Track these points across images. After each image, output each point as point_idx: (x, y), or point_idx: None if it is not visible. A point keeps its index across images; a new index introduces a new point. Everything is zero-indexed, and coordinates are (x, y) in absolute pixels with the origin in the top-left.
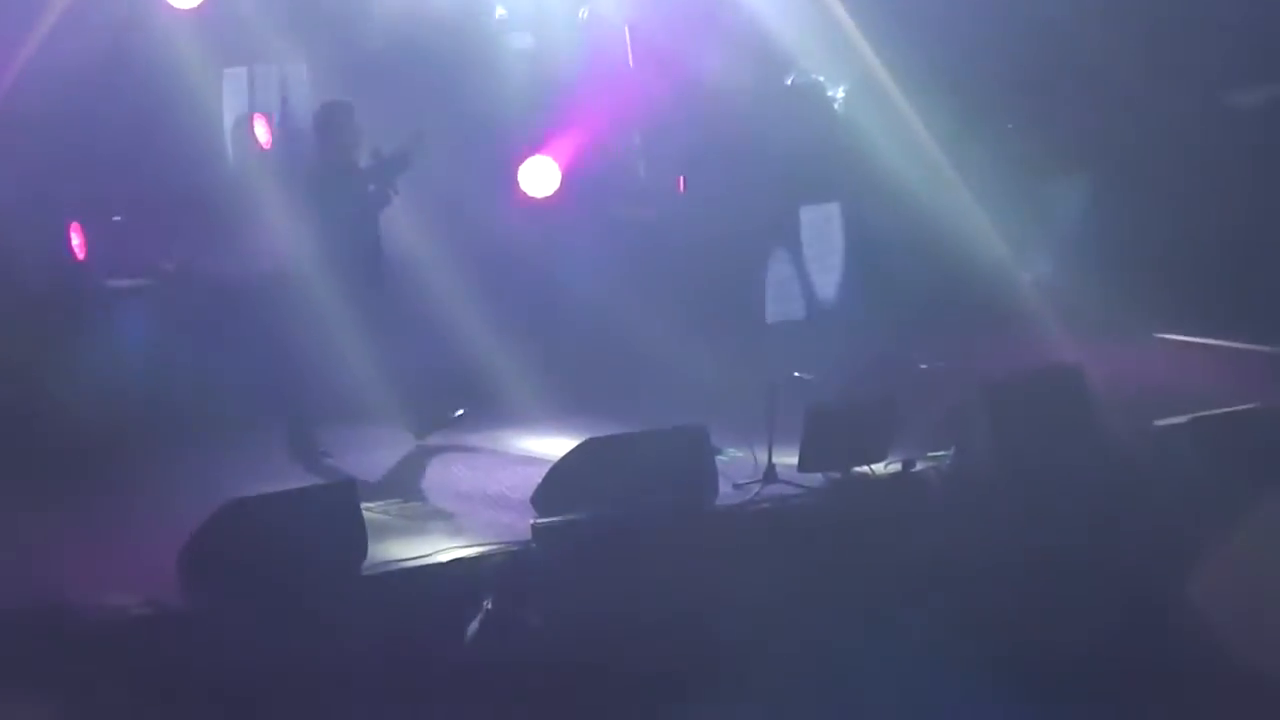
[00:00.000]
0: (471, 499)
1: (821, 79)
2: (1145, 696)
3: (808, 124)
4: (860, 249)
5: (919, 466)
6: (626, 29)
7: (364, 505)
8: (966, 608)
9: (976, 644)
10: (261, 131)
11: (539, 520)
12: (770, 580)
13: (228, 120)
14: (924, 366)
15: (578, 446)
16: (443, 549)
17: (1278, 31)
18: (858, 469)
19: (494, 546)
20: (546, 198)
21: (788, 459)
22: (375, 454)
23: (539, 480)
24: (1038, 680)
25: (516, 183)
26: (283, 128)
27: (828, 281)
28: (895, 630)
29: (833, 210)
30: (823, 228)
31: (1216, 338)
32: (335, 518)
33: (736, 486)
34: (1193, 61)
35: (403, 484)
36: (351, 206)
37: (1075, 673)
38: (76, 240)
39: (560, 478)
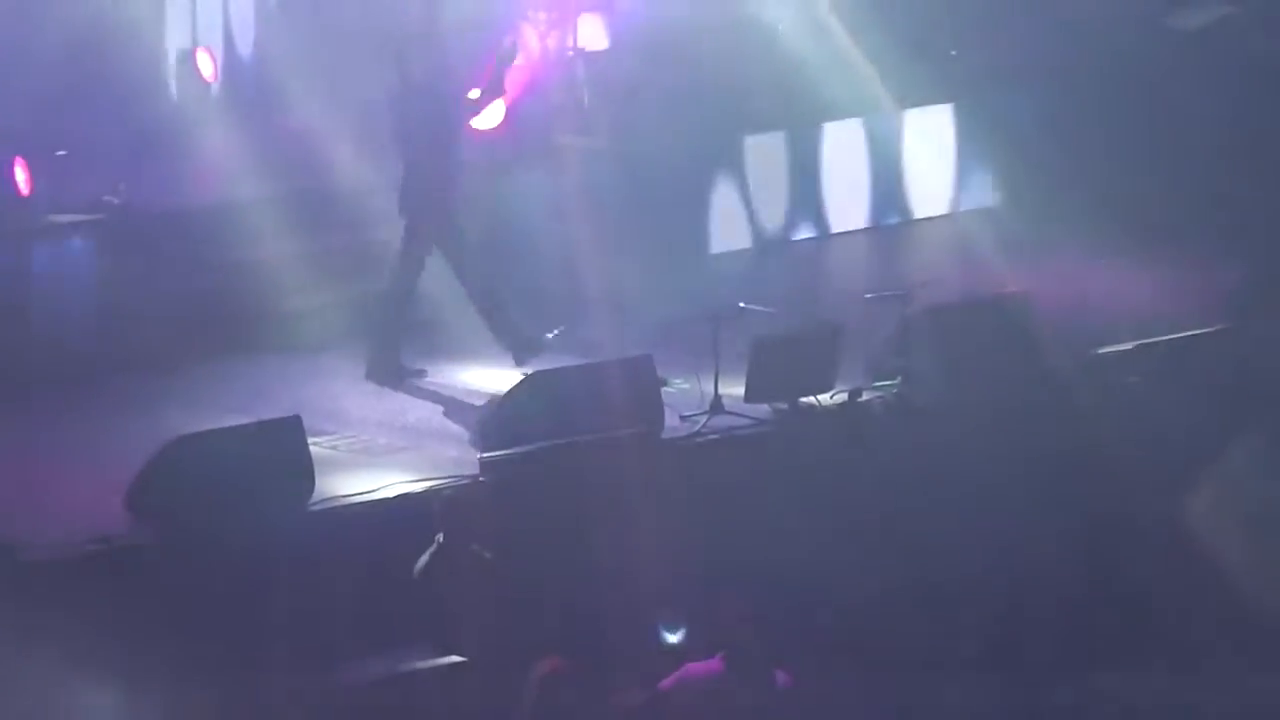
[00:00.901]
0: (419, 433)
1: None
2: (1090, 629)
3: (750, 53)
4: (805, 179)
5: (865, 396)
6: None
7: (311, 440)
8: (912, 539)
9: (921, 575)
10: (205, 65)
11: (487, 454)
12: (719, 512)
13: (171, 54)
14: (869, 296)
15: (524, 379)
16: (391, 483)
17: None
18: (804, 399)
19: (442, 480)
20: (492, 129)
21: (734, 390)
22: (322, 387)
23: (487, 413)
24: (983, 613)
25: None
26: (226, 60)
27: (773, 212)
28: (841, 563)
29: (777, 139)
30: (767, 157)
31: (1162, 262)
32: (282, 453)
33: (683, 418)
34: None
35: (350, 418)
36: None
37: (1017, 603)
38: (21, 175)
39: (507, 411)
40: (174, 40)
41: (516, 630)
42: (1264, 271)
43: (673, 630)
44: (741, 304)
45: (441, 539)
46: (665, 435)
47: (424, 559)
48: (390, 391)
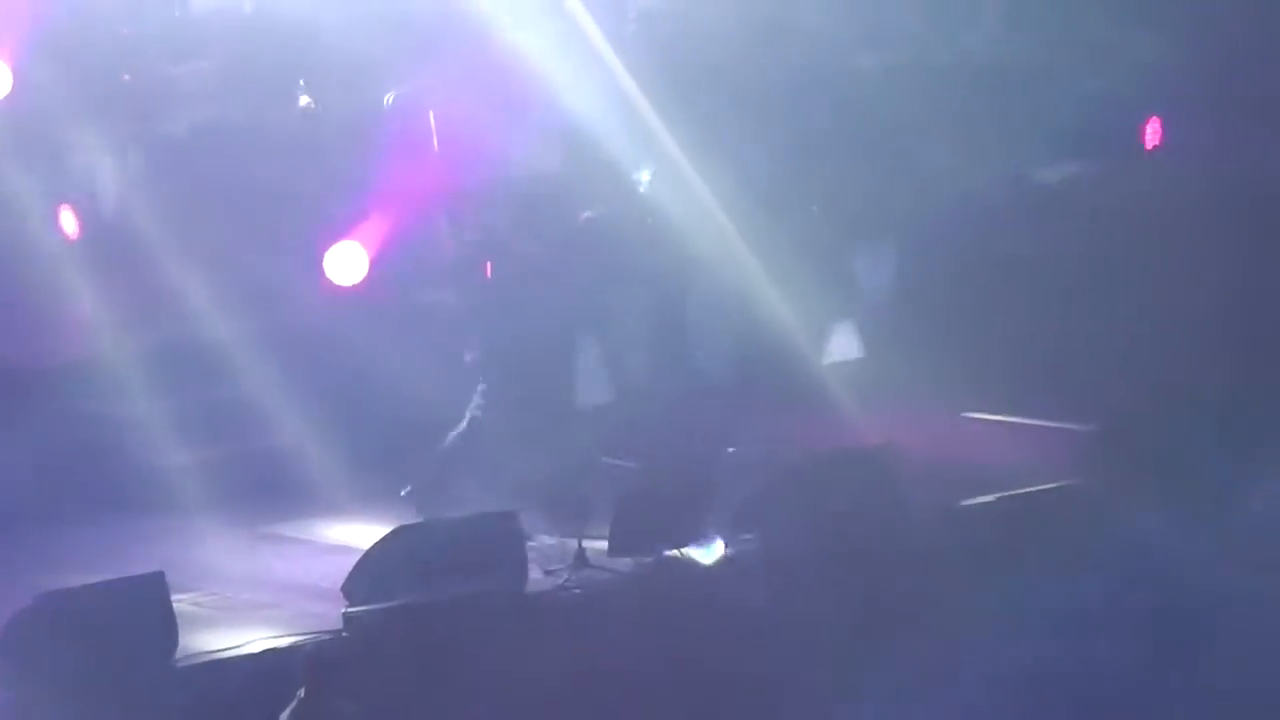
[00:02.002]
0: (283, 589)
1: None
2: None
3: (613, 206)
4: (669, 332)
5: (730, 549)
6: (431, 114)
7: (175, 597)
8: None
9: None
10: (69, 222)
11: (351, 609)
12: (582, 665)
13: (35, 210)
14: (733, 450)
15: (388, 534)
16: (255, 639)
17: (1081, 111)
18: (669, 552)
19: (306, 636)
20: (354, 284)
21: (599, 544)
22: (186, 545)
23: (350, 569)
24: None
25: (323, 270)
26: (91, 217)
27: (638, 365)
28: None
29: (642, 293)
30: (632, 310)
31: (1023, 416)
32: (145, 609)
33: (548, 572)
34: (998, 137)
35: (214, 574)
36: None
37: None
38: None
39: (371, 566)
40: (38, 197)
41: None
42: (1114, 426)
43: None
44: (605, 459)
45: (303, 694)
46: (530, 589)
47: (285, 715)
48: (255, 548)
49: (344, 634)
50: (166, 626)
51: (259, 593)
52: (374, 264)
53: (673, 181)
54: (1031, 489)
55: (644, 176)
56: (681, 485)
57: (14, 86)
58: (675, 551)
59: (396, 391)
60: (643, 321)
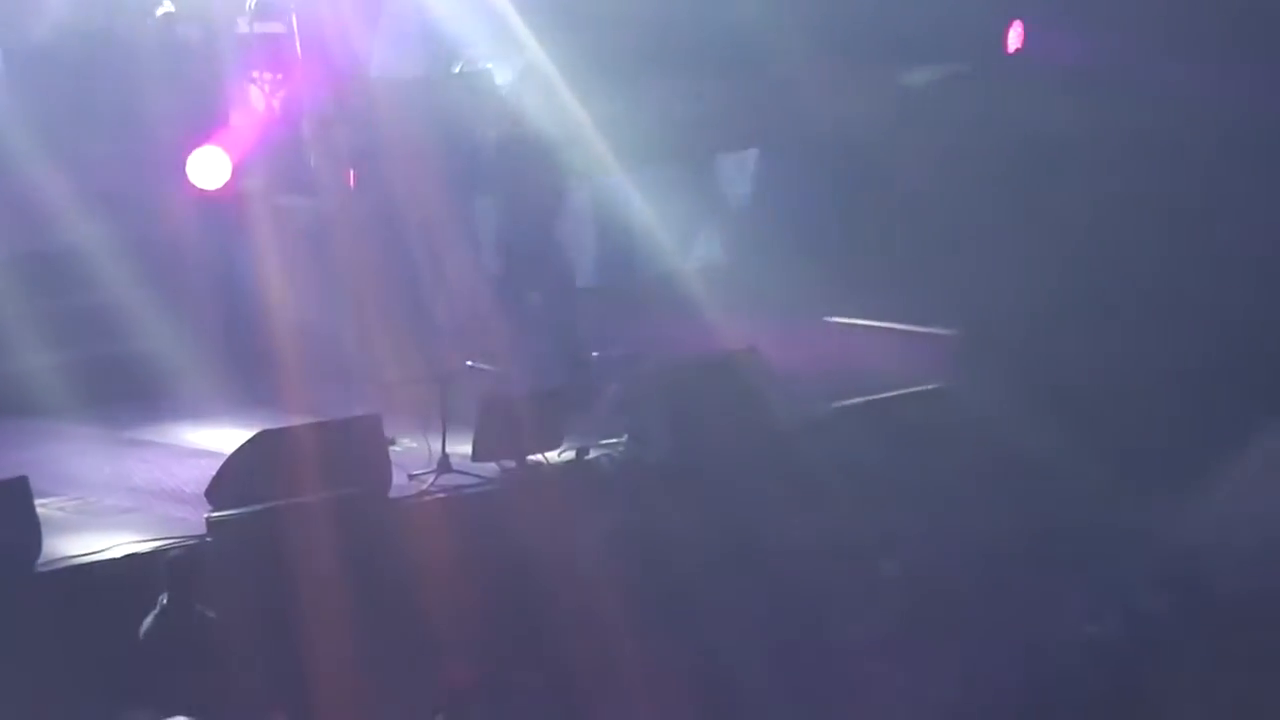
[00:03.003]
0: (146, 494)
1: (489, 66)
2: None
3: (477, 112)
4: (533, 240)
5: (593, 454)
6: (294, 18)
7: (38, 501)
8: (635, 596)
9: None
10: None
11: (214, 514)
12: (443, 569)
13: None
14: (596, 354)
15: (251, 439)
16: (118, 544)
17: (950, 14)
18: (532, 457)
19: (170, 541)
20: (217, 189)
21: (462, 448)
22: (48, 449)
23: (213, 474)
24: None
25: (186, 174)
26: None
27: (502, 270)
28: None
29: (507, 201)
30: (496, 219)
31: (885, 320)
32: (9, 514)
33: (411, 477)
34: (866, 40)
35: (77, 480)
36: None
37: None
38: None
39: (234, 471)
40: None
41: (240, 689)
42: (977, 333)
43: None
44: (469, 363)
45: (165, 599)
46: (393, 494)
47: (148, 620)
48: (118, 452)
49: (207, 539)
50: (30, 531)
51: (122, 498)
52: (236, 169)
53: (539, 88)
54: (896, 393)
55: (509, 79)
56: (544, 390)
57: None
58: (538, 456)
59: (259, 296)
60: (506, 228)
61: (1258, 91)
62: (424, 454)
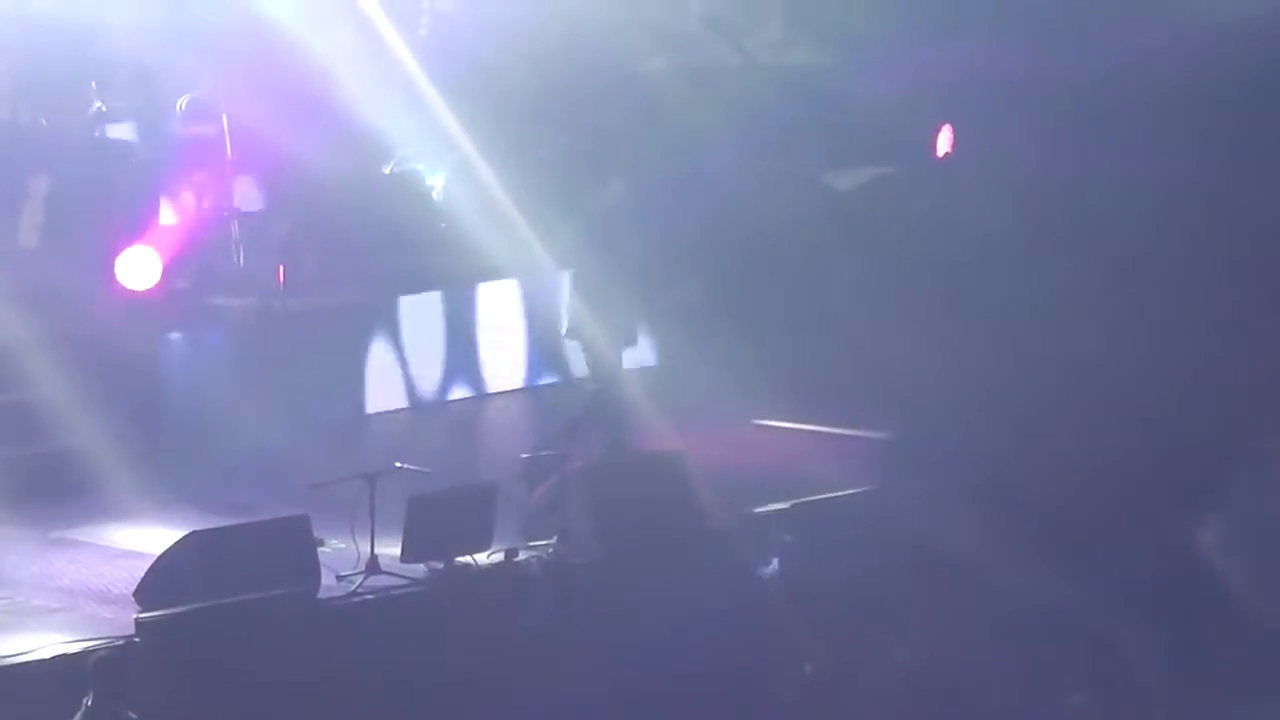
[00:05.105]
0: (75, 594)
1: (420, 167)
2: None
3: (407, 211)
4: (461, 339)
5: (522, 555)
6: (224, 118)
7: None
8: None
9: None
10: None
11: (143, 614)
12: (371, 671)
13: None
14: (525, 455)
15: (181, 539)
16: (45, 644)
17: (872, 118)
18: (460, 558)
19: (98, 641)
20: (147, 289)
21: (391, 549)
22: None
23: (142, 574)
24: None
25: (114, 274)
26: None
27: (429, 371)
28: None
29: (432, 299)
30: (423, 317)
31: (814, 423)
32: None
33: (340, 578)
34: (790, 143)
35: (4, 579)
36: None
37: None
38: None
39: (164, 571)
40: None
41: None
42: (908, 434)
43: None
44: (398, 464)
45: (90, 701)
46: (321, 595)
47: None
48: (47, 552)
49: (136, 639)
50: None
51: (49, 597)
52: (166, 269)
53: (465, 185)
54: (826, 495)
55: (439, 181)
56: (472, 491)
57: None
58: (466, 558)
59: (187, 394)
60: (435, 326)
61: (1191, 178)
62: (353, 554)
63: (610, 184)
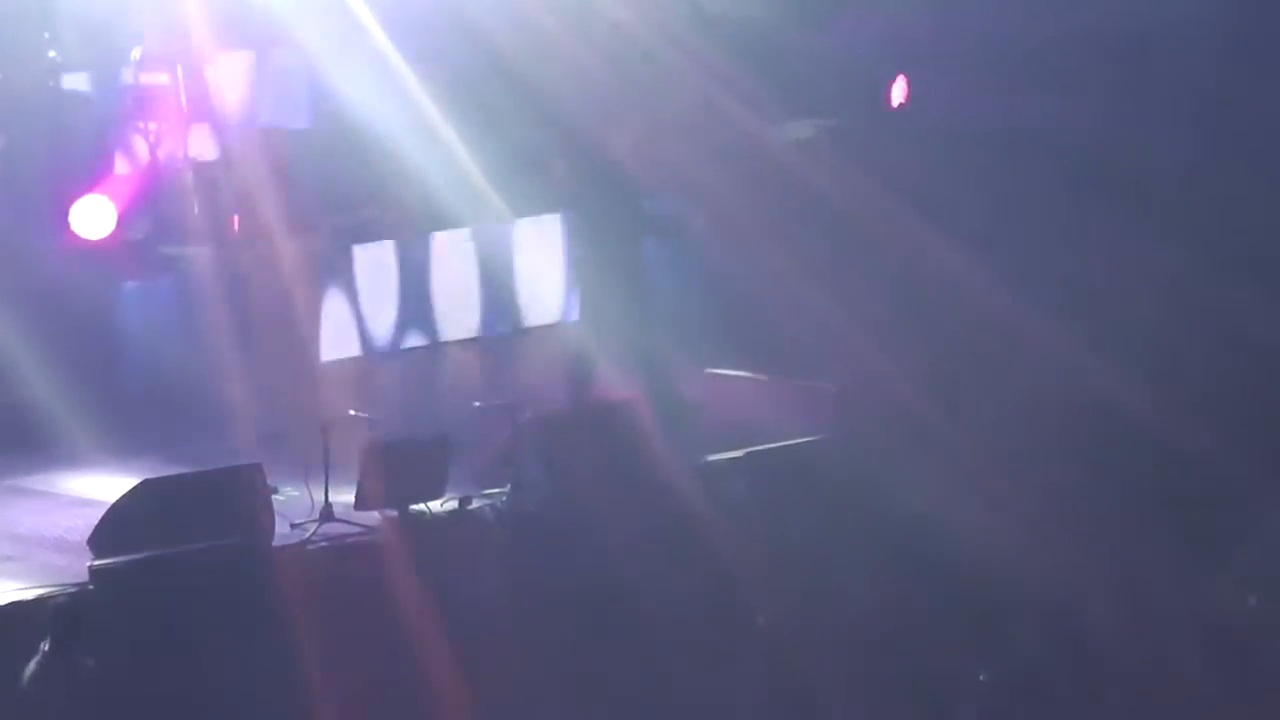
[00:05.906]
0: (28, 542)
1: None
2: None
3: (362, 162)
4: (415, 288)
5: (475, 504)
6: (179, 69)
7: None
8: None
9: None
10: None
11: (96, 562)
12: (325, 620)
13: None
14: (478, 404)
15: (134, 488)
16: (1, 591)
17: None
18: (414, 506)
19: (52, 589)
20: (102, 239)
21: (345, 497)
22: None
23: (96, 521)
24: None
25: (68, 223)
26: None
27: (383, 320)
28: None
29: (386, 248)
30: (377, 266)
31: (765, 372)
32: None
33: (294, 526)
34: (747, 93)
35: None
36: None
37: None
38: None
39: (117, 519)
40: None
41: None
42: (860, 384)
43: None
44: (351, 412)
45: (46, 646)
46: (276, 543)
47: (30, 667)
48: (1, 502)
49: (89, 587)
50: None
51: (4, 545)
52: (121, 218)
53: (419, 134)
54: (776, 444)
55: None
56: (426, 439)
57: None
58: (420, 506)
59: (141, 344)
60: (391, 276)
61: (1142, 139)
62: (306, 503)
63: (559, 143)
